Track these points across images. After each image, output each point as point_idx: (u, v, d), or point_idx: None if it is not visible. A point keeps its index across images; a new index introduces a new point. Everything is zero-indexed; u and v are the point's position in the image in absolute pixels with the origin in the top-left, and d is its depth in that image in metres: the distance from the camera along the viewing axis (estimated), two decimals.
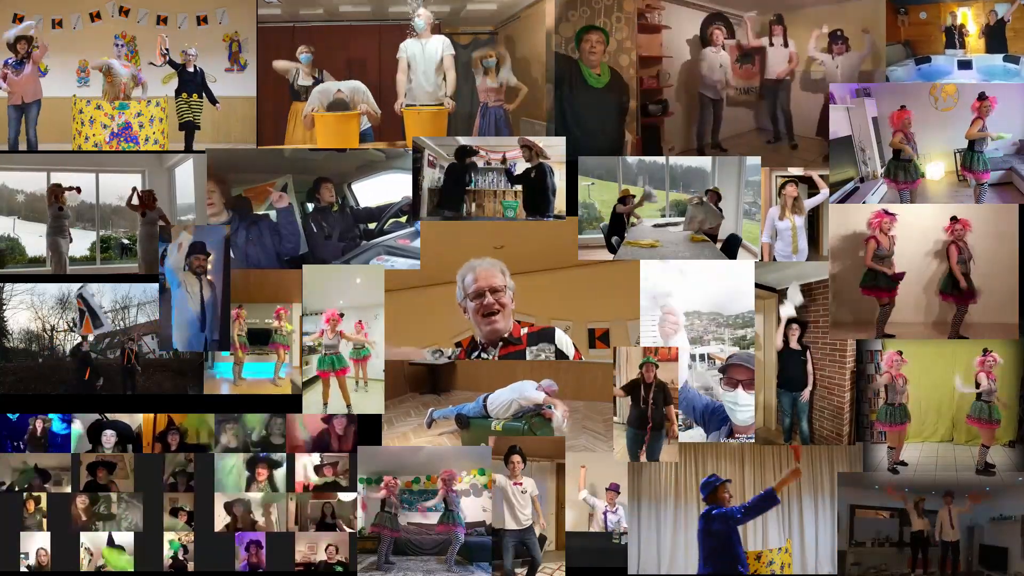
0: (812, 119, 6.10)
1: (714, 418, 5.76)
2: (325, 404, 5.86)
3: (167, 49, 6.22)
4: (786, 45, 6.20)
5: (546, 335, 4.85)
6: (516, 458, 5.80)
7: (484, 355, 4.60)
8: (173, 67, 6.24)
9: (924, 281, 5.93)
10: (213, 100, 6.27)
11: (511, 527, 5.75)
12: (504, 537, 5.75)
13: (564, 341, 4.91)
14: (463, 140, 5.97)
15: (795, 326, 5.92)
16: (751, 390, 5.74)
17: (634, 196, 5.92)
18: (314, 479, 5.87)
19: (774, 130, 6.23)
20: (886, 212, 5.84)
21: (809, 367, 5.94)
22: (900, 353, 5.79)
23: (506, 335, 4.73)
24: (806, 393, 5.92)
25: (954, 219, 5.84)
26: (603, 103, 6.09)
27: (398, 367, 5.99)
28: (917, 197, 5.94)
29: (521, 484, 5.79)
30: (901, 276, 5.88)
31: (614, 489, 5.85)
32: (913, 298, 5.93)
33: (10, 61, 6.14)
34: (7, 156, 6.14)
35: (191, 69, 6.24)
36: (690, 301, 5.84)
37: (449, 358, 4.98)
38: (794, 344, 5.92)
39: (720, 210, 5.91)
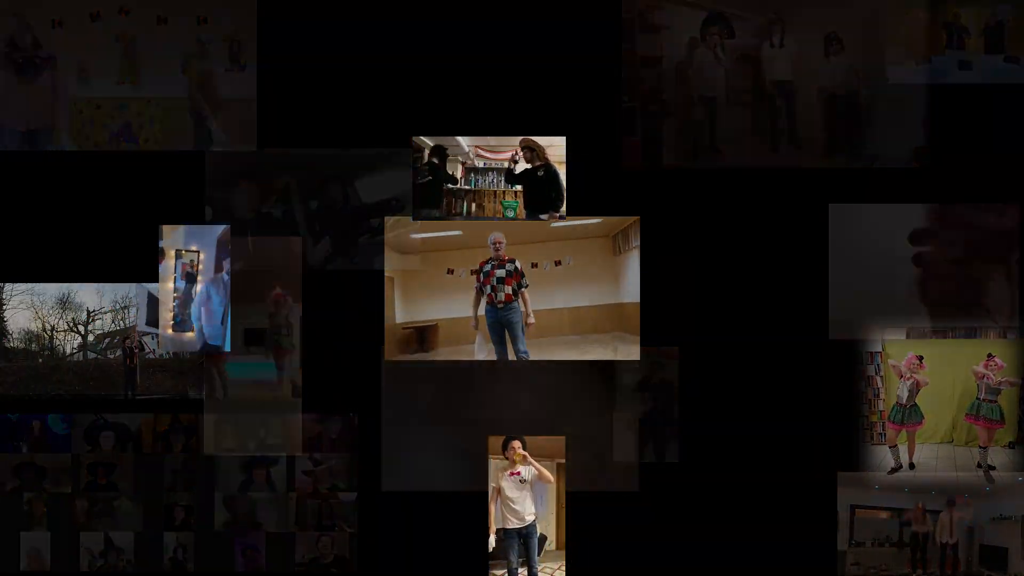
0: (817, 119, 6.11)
1: None
2: None
3: None
4: (782, 45, 6.18)
5: None
6: (516, 444, 5.60)
7: None
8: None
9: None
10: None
11: (512, 525, 5.64)
12: (507, 537, 5.65)
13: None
14: (463, 139, 5.99)
15: None
16: None
17: None
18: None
19: (772, 132, 6.23)
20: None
21: None
22: (920, 358, 5.78)
23: None
24: None
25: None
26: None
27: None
28: None
29: (519, 474, 5.62)
30: None
31: None
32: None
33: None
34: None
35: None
36: None
37: None
38: None
39: None
